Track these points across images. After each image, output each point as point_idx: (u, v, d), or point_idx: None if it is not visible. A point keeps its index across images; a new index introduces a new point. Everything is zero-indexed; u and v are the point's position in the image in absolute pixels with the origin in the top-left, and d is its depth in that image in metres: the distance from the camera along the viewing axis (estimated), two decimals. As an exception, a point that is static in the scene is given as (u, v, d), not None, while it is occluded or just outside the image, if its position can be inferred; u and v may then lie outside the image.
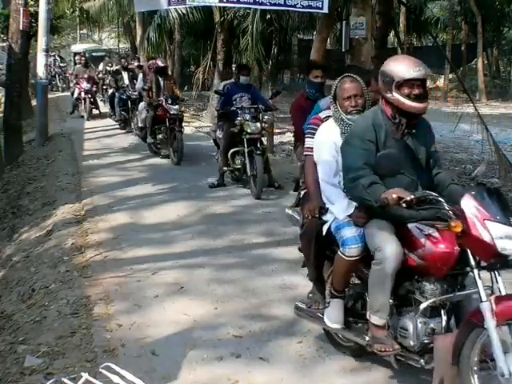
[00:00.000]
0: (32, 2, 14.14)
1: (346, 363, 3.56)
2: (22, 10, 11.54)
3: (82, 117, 15.37)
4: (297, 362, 3.58)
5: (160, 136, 10.16)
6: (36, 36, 12.71)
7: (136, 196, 7.68)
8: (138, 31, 20.27)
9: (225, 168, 8.03)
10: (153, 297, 4.54)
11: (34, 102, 15.47)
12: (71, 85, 17.53)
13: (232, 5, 10.88)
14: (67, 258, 5.46)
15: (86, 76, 15.63)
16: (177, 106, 9.58)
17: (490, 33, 27.63)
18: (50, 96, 14.51)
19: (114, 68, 15.34)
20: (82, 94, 15.36)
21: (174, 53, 21.36)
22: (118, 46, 33.79)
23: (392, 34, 18.55)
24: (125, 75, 13.76)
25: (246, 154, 7.60)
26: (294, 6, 7.93)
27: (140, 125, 11.01)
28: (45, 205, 7.70)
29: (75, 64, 23.90)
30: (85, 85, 15.28)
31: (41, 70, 12.22)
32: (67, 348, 3.73)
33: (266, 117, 8.02)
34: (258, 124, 7.68)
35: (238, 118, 7.66)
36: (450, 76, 26.27)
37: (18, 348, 3.81)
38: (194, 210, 7.05)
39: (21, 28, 11.57)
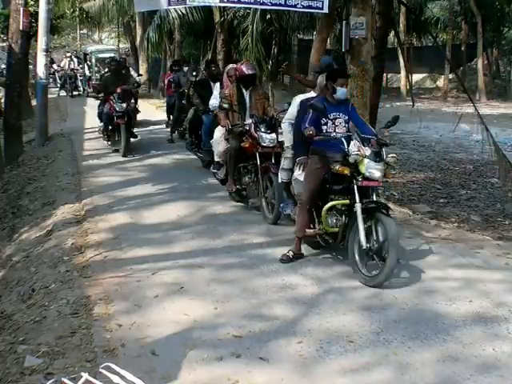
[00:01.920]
0: (32, 2, 14.16)
1: (346, 363, 3.56)
2: (22, 9, 11.55)
3: (117, 151, 10.57)
4: (297, 362, 3.58)
5: (246, 178, 6.90)
6: (36, 36, 12.72)
7: (136, 196, 7.68)
8: (138, 31, 20.34)
9: (310, 230, 5.24)
10: (153, 297, 4.53)
11: (34, 102, 15.46)
12: (98, 101, 12.00)
13: (232, 5, 10.89)
14: (67, 257, 5.46)
15: (118, 90, 10.33)
16: (273, 135, 6.52)
17: (490, 33, 27.62)
18: (50, 96, 14.48)
19: (198, 77, 10.39)
20: (115, 119, 10.35)
21: (173, 53, 21.35)
22: (118, 45, 33.81)
23: (392, 34, 18.56)
24: (216, 90, 8.79)
25: (359, 215, 4.73)
26: (295, 6, 7.92)
27: (217, 159, 7.47)
28: (45, 205, 7.70)
29: (88, 67, 22.47)
30: (118, 105, 10.28)
31: (41, 70, 12.24)
32: (67, 348, 3.72)
33: (390, 155, 5.08)
34: (381, 166, 4.86)
35: (353, 154, 4.81)
36: (450, 76, 26.28)
37: (18, 348, 3.81)
38: (194, 210, 7.05)
39: (21, 28, 11.57)
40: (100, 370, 2.17)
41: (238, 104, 6.94)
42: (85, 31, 39.40)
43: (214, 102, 8.12)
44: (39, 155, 11.21)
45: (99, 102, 11.70)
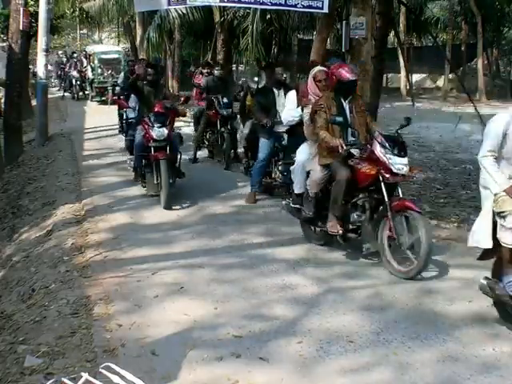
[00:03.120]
0: (32, 2, 14.18)
1: (346, 363, 3.56)
2: (22, 9, 11.56)
3: (153, 196, 7.29)
4: (297, 362, 3.58)
5: (355, 216, 5.28)
6: (36, 36, 12.74)
7: (136, 196, 7.67)
8: (138, 31, 20.33)
9: None
10: (153, 297, 4.53)
11: (34, 102, 15.47)
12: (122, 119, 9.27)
13: (232, 4, 10.92)
14: (67, 257, 5.46)
15: (157, 109, 7.21)
16: (406, 159, 5.05)
17: (490, 33, 27.61)
18: (50, 96, 14.48)
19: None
20: (152, 150, 7.06)
21: (174, 53, 21.37)
22: (118, 45, 33.82)
23: (392, 34, 18.58)
24: (290, 99, 6.65)
25: None
26: (295, 5, 7.95)
27: (299, 191, 5.80)
28: (45, 205, 7.70)
29: (92, 69, 21.26)
30: (157, 130, 7.04)
31: (41, 70, 12.25)
32: (67, 348, 3.72)
33: None
34: None
35: None
36: (450, 76, 26.25)
37: (18, 348, 3.81)
38: (194, 210, 7.04)
39: (21, 28, 11.59)
40: (100, 370, 2.17)
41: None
42: (85, 31, 39.44)
43: (291, 115, 6.42)
44: (39, 155, 11.22)
45: (125, 123, 8.81)
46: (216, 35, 16.77)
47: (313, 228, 5.78)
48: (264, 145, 7.23)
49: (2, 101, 13.46)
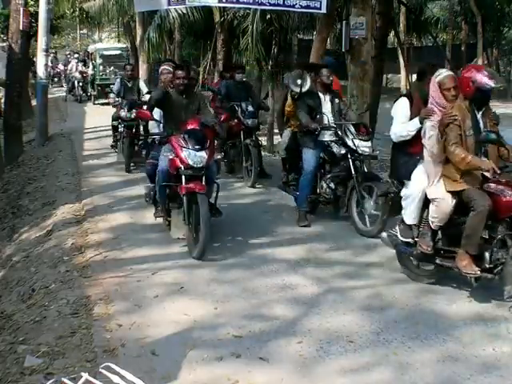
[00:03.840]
0: (32, 2, 14.19)
1: (346, 363, 3.56)
2: (22, 9, 11.57)
3: (180, 239, 5.82)
4: (297, 362, 3.58)
5: (493, 253, 4.34)
6: (36, 36, 12.75)
7: (136, 196, 7.66)
8: (138, 31, 20.29)
9: None
10: (153, 297, 4.54)
11: (34, 102, 15.47)
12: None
13: (232, 5, 10.89)
14: (67, 258, 5.46)
15: (191, 126, 5.58)
16: None
17: (490, 33, 27.58)
18: (50, 96, 14.48)
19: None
20: (183, 181, 5.49)
21: (173, 53, 21.32)
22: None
23: (392, 34, 18.58)
24: (404, 111, 5.20)
25: None
26: (293, 6, 7.94)
27: (412, 222, 4.78)
28: (45, 205, 7.70)
29: (93, 67, 20.78)
30: (192, 153, 5.47)
31: (41, 70, 12.26)
32: (67, 348, 3.72)
33: None
34: None
35: None
36: (450, 76, 26.26)
37: (18, 348, 3.81)
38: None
39: (21, 28, 11.60)
40: (100, 370, 2.16)
41: (472, 133, 4.44)
42: (85, 31, 39.43)
43: (407, 129, 5.03)
44: (39, 155, 11.22)
45: (141, 141, 7.30)
46: (216, 35, 16.74)
47: (418, 263, 4.84)
48: (309, 155, 6.30)
49: (2, 101, 13.45)
